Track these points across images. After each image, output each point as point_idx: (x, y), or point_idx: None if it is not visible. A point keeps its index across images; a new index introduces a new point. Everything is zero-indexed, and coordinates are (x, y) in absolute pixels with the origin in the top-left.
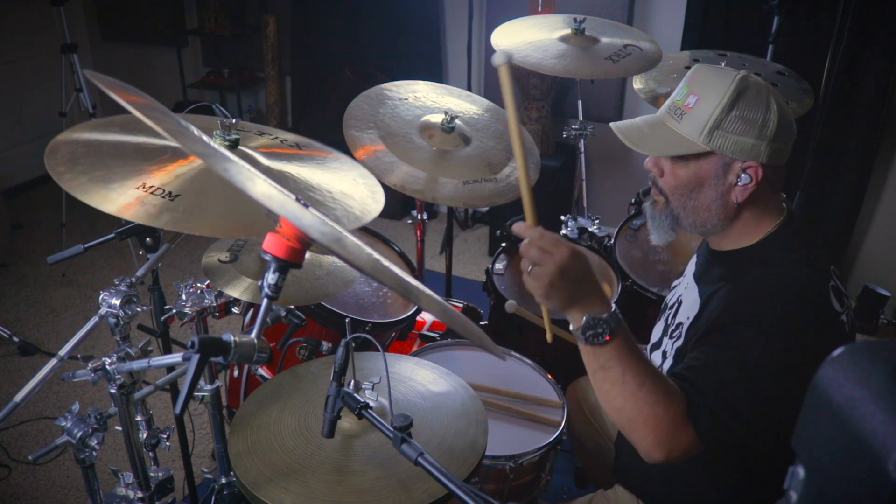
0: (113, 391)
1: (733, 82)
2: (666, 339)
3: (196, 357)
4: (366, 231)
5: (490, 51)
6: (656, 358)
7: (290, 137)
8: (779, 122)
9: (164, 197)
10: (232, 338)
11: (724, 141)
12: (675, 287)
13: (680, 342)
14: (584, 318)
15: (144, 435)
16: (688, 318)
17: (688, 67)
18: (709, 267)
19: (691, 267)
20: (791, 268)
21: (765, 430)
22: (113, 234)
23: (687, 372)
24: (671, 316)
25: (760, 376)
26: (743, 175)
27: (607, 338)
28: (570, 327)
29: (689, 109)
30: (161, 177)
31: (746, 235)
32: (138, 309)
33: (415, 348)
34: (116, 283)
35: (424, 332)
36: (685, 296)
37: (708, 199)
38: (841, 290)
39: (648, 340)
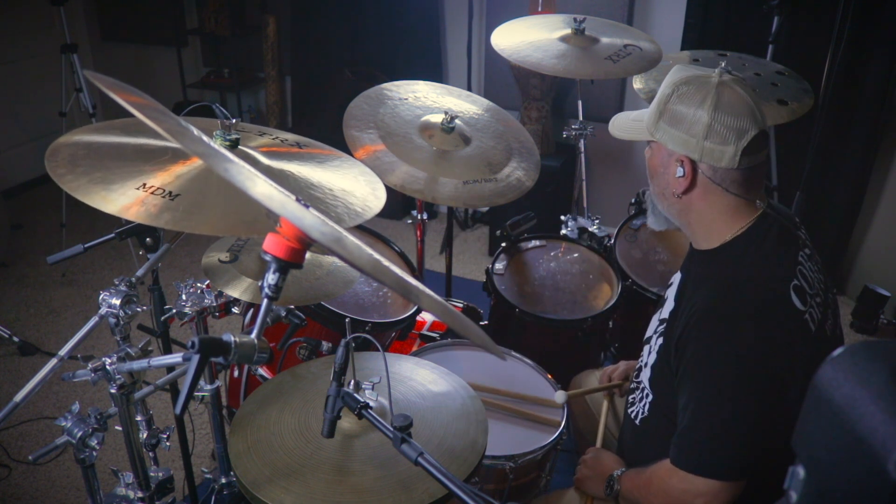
0: (113, 391)
1: (672, 74)
2: (654, 336)
3: (196, 357)
4: (366, 231)
5: (490, 51)
6: (645, 351)
7: (291, 137)
8: (711, 122)
9: (164, 197)
10: (232, 338)
11: (663, 132)
12: (671, 284)
13: (661, 341)
14: (605, 482)
15: (144, 435)
16: (668, 313)
17: None
18: (689, 262)
19: (685, 262)
20: (744, 272)
21: (765, 437)
22: (113, 234)
23: (675, 437)
24: (661, 311)
25: (731, 398)
26: (678, 168)
27: (618, 487)
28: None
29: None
30: (161, 177)
31: (713, 235)
32: (138, 309)
33: (415, 348)
34: (116, 283)
35: (424, 332)
36: (671, 292)
37: (660, 188)
38: (805, 289)
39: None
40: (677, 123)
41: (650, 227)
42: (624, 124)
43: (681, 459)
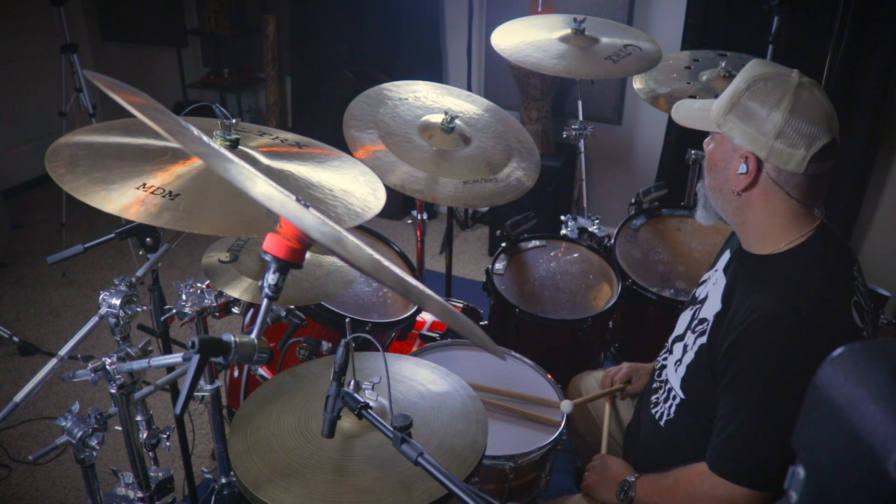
0: (113, 391)
1: (749, 68)
2: (689, 333)
3: (196, 357)
4: (366, 231)
5: (490, 51)
6: (677, 350)
7: (291, 137)
8: (785, 122)
9: (164, 196)
10: (232, 338)
11: (732, 125)
12: (704, 281)
13: (704, 340)
14: (617, 488)
15: (144, 435)
16: (713, 314)
17: (688, 67)
18: (738, 264)
19: (722, 261)
20: (810, 285)
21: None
22: (113, 234)
23: (716, 443)
24: (698, 310)
25: (784, 410)
26: (742, 164)
27: (633, 493)
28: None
29: None
30: (161, 177)
31: (769, 239)
32: (138, 309)
33: (415, 348)
34: (116, 283)
35: (424, 332)
36: (713, 291)
37: (719, 182)
38: (863, 306)
39: (647, 341)
40: (748, 119)
41: (698, 220)
42: (688, 111)
43: (721, 466)
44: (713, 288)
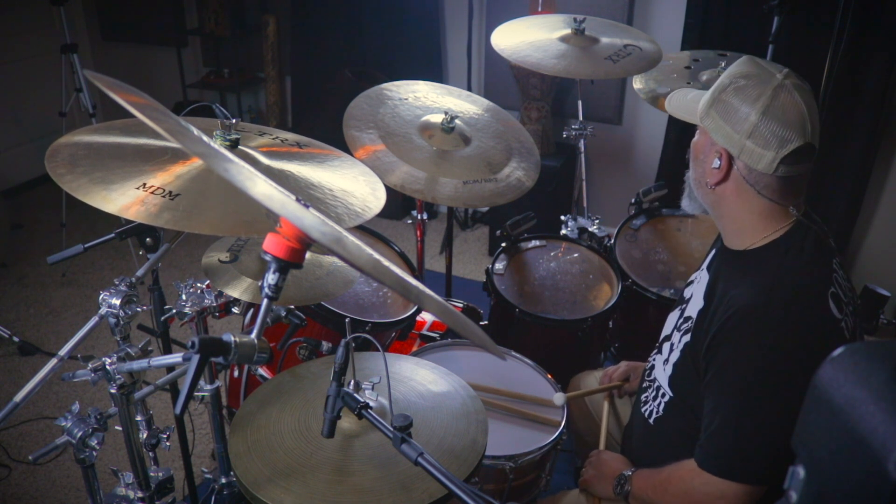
0: (113, 391)
1: (737, 65)
2: (676, 332)
3: (196, 357)
4: (366, 231)
5: (490, 51)
6: (665, 349)
7: (291, 137)
8: (758, 122)
9: (164, 196)
10: (232, 338)
11: (711, 120)
12: (692, 282)
13: (688, 338)
14: (614, 482)
15: (144, 435)
16: (696, 311)
17: (688, 67)
18: (720, 261)
19: (707, 260)
20: (786, 277)
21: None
22: (113, 234)
23: (703, 440)
24: (684, 309)
25: (765, 403)
26: (716, 159)
27: (629, 487)
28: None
29: None
30: (161, 177)
31: (744, 234)
32: (138, 309)
33: (415, 348)
34: (116, 283)
35: (424, 332)
36: (697, 290)
37: (698, 174)
38: (841, 297)
39: (647, 341)
40: (726, 115)
41: (683, 208)
42: (680, 102)
43: (709, 463)
44: (697, 287)
